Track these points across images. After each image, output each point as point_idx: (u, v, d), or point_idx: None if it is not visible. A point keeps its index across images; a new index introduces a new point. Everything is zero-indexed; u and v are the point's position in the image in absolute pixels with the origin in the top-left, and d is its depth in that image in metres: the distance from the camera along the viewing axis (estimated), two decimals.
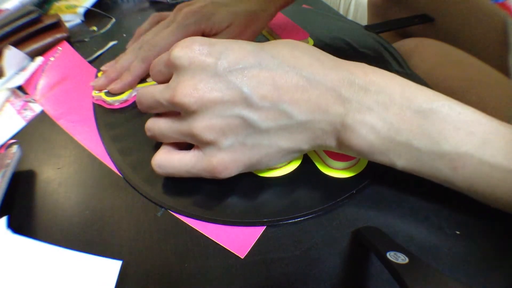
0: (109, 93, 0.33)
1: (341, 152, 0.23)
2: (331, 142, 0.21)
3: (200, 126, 0.20)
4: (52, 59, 0.40)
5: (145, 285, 0.21)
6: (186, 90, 0.19)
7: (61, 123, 0.32)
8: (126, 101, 0.33)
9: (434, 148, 0.20)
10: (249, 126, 0.20)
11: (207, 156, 0.21)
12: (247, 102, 0.19)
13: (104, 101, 0.33)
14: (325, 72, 0.20)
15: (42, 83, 0.37)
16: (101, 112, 0.33)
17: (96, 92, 0.34)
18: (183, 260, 0.22)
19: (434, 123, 0.19)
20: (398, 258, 0.17)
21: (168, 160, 0.23)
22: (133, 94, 0.34)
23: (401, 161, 0.21)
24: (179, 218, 0.24)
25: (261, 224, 0.23)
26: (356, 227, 0.22)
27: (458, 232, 0.22)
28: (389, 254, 0.18)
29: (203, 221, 0.24)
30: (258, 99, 0.19)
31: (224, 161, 0.21)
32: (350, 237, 0.22)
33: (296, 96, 0.19)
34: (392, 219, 0.23)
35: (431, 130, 0.19)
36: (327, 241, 0.22)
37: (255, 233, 0.23)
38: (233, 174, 0.22)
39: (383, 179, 0.25)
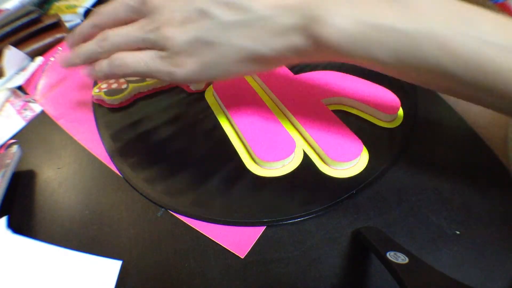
0: (108, 92, 0.33)
1: (311, 52, 0.20)
2: (301, 41, 0.19)
3: (163, 19, 0.20)
4: (52, 59, 0.40)
5: (145, 285, 0.21)
6: None
7: (61, 123, 0.32)
8: (126, 100, 0.33)
9: (417, 28, 0.18)
10: (208, 19, 0.20)
11: (166, 52, 0.21)
12: None
13: (103, 100, 0.33)
14: None
15: (42, 83, 0.37)
16: (101, 112, 0.33)
17: (96, 91, 0.34)
18: (183, 260, 0.22)
19: (414, 7, 0.18)
20: (398, 258, 0.17)
21: (125, 56, 0.22)
22: (133, 94, 0.34)
23: (380, 51, 0.19)
24: (179, 218, 0.24)
25: (261, 224, 0.23)
26: (356, 227, 0.22)
27: (458, 232, 0.22)
28: (389, 254, 0.18)
29: (203, 221, 0.24)
30: None
31: (180, 57, 0.21)
32: (350, 237, 0.22)
33: None
34: (392, 219, 0.23)
35: (409, 9, 0.18)
36: (327, 241, 0.22)
37: (255, 233, 0.23)
38: (189, 74, 0.21)
39: (383, 179, 0.25)
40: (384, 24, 0.18)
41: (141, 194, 0.25)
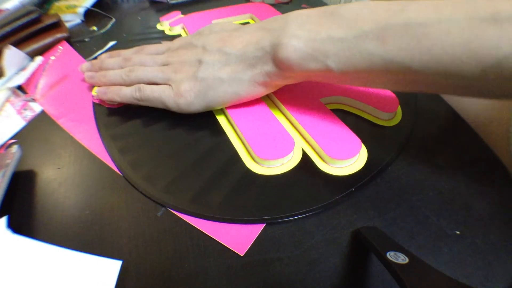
0: None
1: (281, 73, 0.25)
2: (268, 65, 0.25)
3: (176, 66, 0.29)
4: (53, 58, 0.40)
5: (145, 285, 0.21)
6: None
7: (61, 122, 0.32)
8: None
9: (355, 33, 0.21)
10: (201, 63, 0.28)
11: (174, 86, 0.29)
12: (204, 49, 0.28)
13: (103, 100, 0.33)
14: (252, 25, 0.28)
15: (42, 82, 0.37)
16: (101, 111, 0.33)
17: (96, 91, 0.34)
18: (183, 260, 0.22)
19: (349, 16, 0.22)
20: (398, 258, 0.17)
21: (145, 88, 0.30)
22: None
23: (331, 60, 0.22)
24: (179, 216, 0.24)
25: (261, 222, 0.23)
26: (356, 227, 0.22)
27: (458, 232, 0.22)
28: (389, 254, 0.18)
29: (203, 219, 0.24)
30: (210, 47, 0.28)
31: (183, 90, 0.28)
32: (350, 237, 0.22)
33: (234, 41, 0.27)
34: (392, 219, 0.23)
35: (346, 20, 0.22)
36: (327, 241, 0.22)
37: (254, 231, 0.23)
38: (189, 102, 0.28)
39: (383, 178, 0.25)
40: (327, 37, 0.22)
41: (140, 192, 0.25)
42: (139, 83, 0.30)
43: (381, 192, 0.24)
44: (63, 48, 0.42)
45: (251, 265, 0.21)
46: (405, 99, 0.31)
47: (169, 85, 0.29)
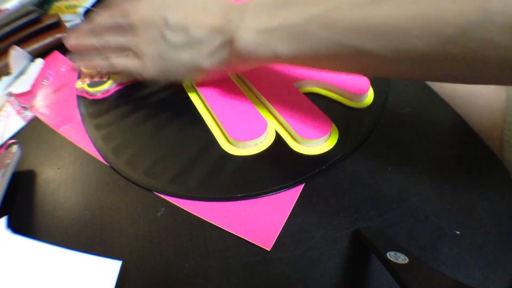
0: (91, 84, 0.34)
1: (237, 60, 0.26)
2: (228, 55, 0.26)
3: (141, 38, 0.29)
4: (50, 76, 0.40)
5: (145, 285, 0.21)
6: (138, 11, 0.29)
7: (61, 130, 0.32)
8: (107, 91, 0.34)
9: (305, 18, 0.21)
10: (165, 41, 0.27)
11: (140, 58, 0.29)
12: (167, 25, 0.27)
13: (87, 92, 0.34)
14: (215, 4, 0.27)
15: (37, 95, 0.36)
16: (85, 104, 0.33)
17: (80, 83, 0.34)
18: (183, 260, 0.22)
19: (300, 1, 0.22)
20: (398, 258, 0.17)
21: (114, 58, 0.31)
22: (114, 85, 0.34)
23: (282, 46, 0.22)
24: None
25: (236, 199, 0.24)
26: (356, 227, 0.22)
27: (458, 232, 0.22)
28: (389, 254, 0.18)
29: (182, 198, 0.25)
30: (173, 24, 0.27)
31: (147, 63, 0.29)
32: (350, 237, 0.22)
33: (197, 22, 0.26)
34: (392, 219, 0.23)
35: (298, 6, 0.22)
36: (327, 241, 0.22)
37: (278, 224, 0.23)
38: (152, 75, 0.29)
39: (383, 178, 0.25)
40: (278, 25, 0.22)
41: (124, 177, 0.26)
42: (108, 50, 0.32)
43: (381, 192, 0.24)
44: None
45: (251, 265, 0.21)
46: (377, 83, 0.31)
47: (136, 56, 0.30)
